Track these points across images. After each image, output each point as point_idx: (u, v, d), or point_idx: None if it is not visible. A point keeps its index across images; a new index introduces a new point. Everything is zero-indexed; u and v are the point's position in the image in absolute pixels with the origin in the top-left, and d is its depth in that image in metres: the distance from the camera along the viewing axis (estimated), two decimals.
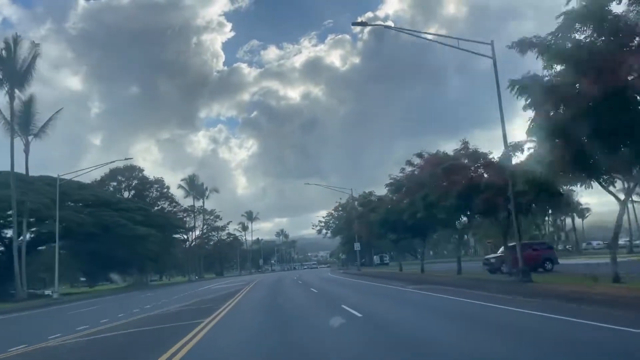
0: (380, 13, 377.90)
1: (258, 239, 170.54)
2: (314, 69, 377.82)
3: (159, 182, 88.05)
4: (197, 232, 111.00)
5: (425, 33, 36.77)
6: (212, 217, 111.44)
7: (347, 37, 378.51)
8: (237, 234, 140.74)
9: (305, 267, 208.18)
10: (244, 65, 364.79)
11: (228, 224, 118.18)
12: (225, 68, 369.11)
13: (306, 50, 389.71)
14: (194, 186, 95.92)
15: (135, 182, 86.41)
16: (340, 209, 78.30)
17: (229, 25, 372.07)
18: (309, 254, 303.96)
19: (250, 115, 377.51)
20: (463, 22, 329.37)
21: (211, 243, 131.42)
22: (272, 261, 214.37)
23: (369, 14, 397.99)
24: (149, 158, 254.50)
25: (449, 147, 64.65)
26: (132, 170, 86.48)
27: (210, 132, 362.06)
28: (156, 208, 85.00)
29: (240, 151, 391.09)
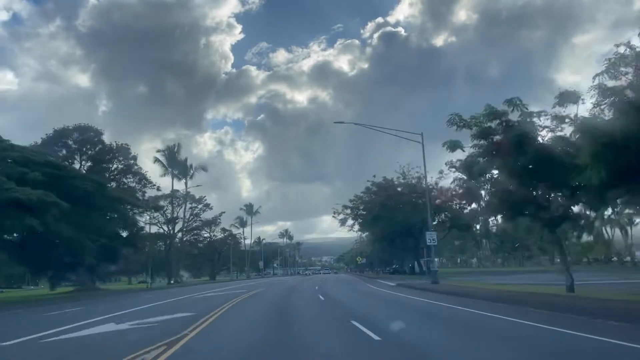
0: (391, 19, 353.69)
1: (259, 238, 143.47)
2: (322, 73, 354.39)
3: (123, 150, 61.18)
4: (182, 225, 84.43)
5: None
6: (200, 207, 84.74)
7: (357, 42, 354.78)
8: (235, 231, 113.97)
9: (308, 272, 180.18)
10: (252, 68, 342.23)
11: (220, 215, 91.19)
12: (234, 70, 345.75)
13: (315, 54, 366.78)
14: (174, 161, 69.50)
15: (88, 146, 59.86)
16: (373, 190, 51.38)
17: (239, 27, 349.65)
18: (312, 259, 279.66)
19: (257, 118, 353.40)
20: (473, 30, 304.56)
21: (206, 241, 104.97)
22: (275, 264, 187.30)
23: (380, 20, 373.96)
24: (154, 157, 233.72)
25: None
26: (84, 132, 59.94)
27: (217, 133, 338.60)
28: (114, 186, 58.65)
29: (246, 154, 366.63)
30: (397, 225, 49.14)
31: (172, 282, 66.48)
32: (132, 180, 63.09)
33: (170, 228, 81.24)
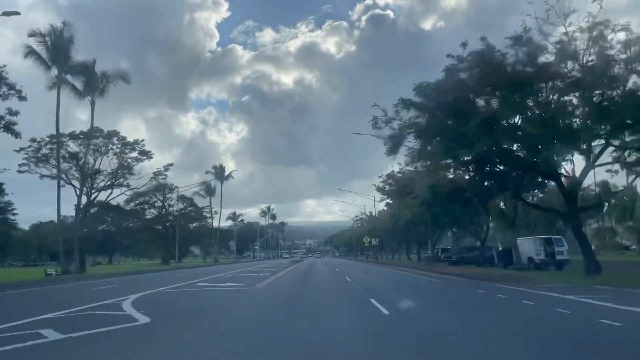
0: (380, 1, 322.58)
1: (235, 213, 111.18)
2: (309, 55, 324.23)
3: None
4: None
5: None
6: (134, 156, 52.19)
7: (345, 24, 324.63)
8: (202, 203, 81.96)
9: (288, 256, 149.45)
10: (238, 47, 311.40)
11: (167, 169, 58.60)
12: (219, 49, 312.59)
13: (302, 35, 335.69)
14: (64, 58, 36.56)
15: None
16: (473, 72, 20.50)
17: (225, 4, 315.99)
18: (296, 241, 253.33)
19: (242, 98, 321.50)
20: (462, 15, 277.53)
21: (169, 212, 73.66)
22: (256, 247, 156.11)
23: (369, 1, 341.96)
24: (136, 136, 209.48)
25: None
26: None
27: (200, 113, 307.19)
28: None
29: (230, 135, 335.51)
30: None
31: (50, 273, 34.34)
32: None
33: (87, 187, 49.20)
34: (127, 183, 51.63)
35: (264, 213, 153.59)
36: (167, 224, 74.82)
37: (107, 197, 52.72)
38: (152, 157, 53.30)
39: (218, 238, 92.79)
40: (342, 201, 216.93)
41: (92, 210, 76.23)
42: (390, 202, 51.48)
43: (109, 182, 51.27)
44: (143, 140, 53.58)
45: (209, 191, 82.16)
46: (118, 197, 53.84)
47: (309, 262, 65.15)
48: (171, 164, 57.19)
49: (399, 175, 49.65)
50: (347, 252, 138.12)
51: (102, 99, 41.92)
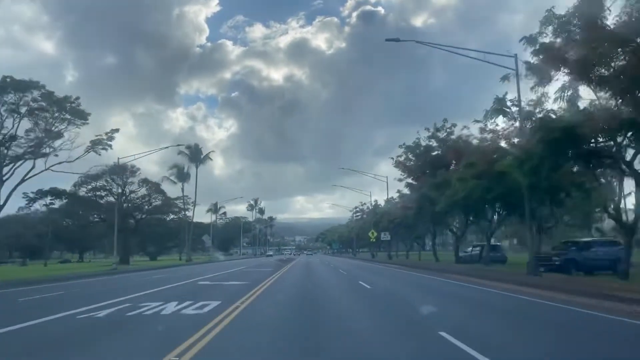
0: None
1: (216, 205, 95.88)
2: (300, 51, 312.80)
3: None
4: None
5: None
6: (62, 116, 37.51)
7: (335, 19, 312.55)
8: (171, 191, 67.04)
9: (272, 254, 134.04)
10: (228, 42, 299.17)
11: (110, 137, 43.13)
12: (208, 43, 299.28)
13: (293, 31, 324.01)
14: None
15: None
16: None
17: None
18: (285, 238, 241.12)
19: (231, 94, 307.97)
20: (452, 11, 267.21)
21: (130, 200, 59.41)
22: (244, 243, 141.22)
23: None
24: (124, 131, 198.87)
25: None
26: None
27: (189, 109, 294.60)
28: None
29: (219, 131, 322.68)
30: None
31: None
32: None
33: None
34: (45, 152, 36.72)
35: (251, 207, 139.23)
36: (136, 214, 60.37)
37: (27, 173, 37.82)
38: (87, 122, 38.57)
39: (193, 233, 77.84)
40: (342, 187, 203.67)
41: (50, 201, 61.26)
42: (413, 182, 37.36)
43: (29, 150, 36.63)
44: (78, 98, 38.97)
45: (181, 176, 67.18)
46: (41, 173, 38.67)
47: (302, 262, 50.69)
48: (116, 130, 42.26)
49: (428, 143, 35.72)
50: (341, 249, 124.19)
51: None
